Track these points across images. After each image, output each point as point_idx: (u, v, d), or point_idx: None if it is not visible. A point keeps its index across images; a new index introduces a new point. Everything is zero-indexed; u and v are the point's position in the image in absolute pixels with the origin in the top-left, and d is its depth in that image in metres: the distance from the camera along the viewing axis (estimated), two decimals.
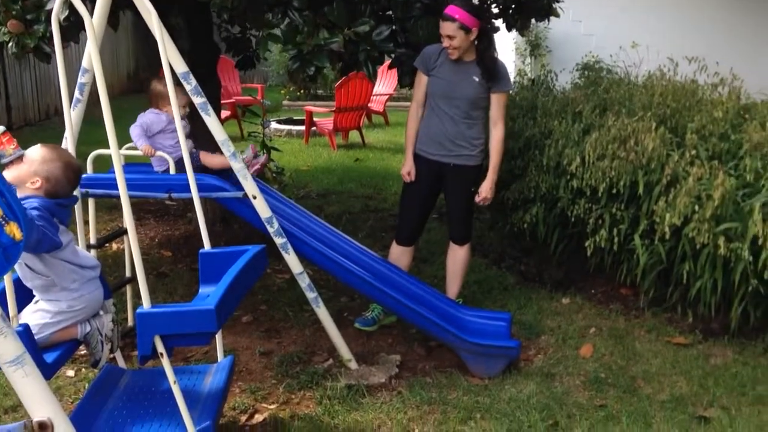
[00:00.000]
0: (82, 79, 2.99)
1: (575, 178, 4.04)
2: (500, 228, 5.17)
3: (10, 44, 3.89)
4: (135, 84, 13.84)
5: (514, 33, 5.33)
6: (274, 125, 9.44)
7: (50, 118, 10.69)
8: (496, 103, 3.71)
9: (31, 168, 2.28)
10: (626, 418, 3.00)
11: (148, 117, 3.44)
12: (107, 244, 4.18)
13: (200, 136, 3.53)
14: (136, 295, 3.30)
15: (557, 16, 4.89)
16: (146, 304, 2.19)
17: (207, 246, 2.82)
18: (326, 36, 3.47)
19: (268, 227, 3.21)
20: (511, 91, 4.71)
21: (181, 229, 5.49)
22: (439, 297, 3.64)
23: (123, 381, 2.70)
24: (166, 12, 3.79)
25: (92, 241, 3.06)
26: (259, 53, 5.25)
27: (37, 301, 2.39)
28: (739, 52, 6.55)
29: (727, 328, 3.68)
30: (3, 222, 1.79)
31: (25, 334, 2.07)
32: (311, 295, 3.35)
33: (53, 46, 2.58)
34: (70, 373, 3.32)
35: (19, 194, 2.20)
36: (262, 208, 3.19)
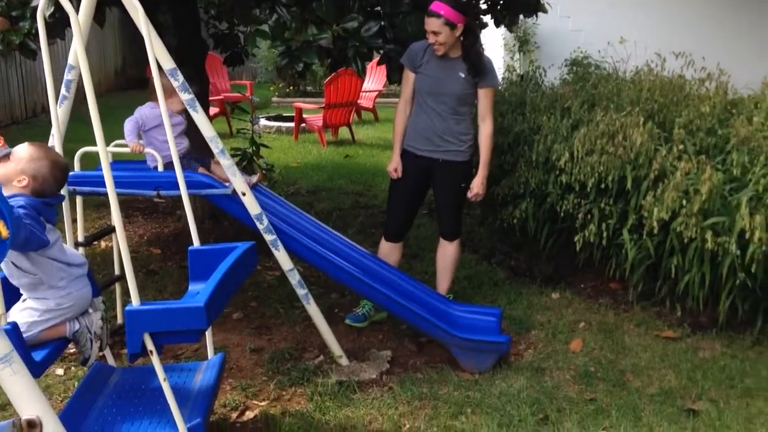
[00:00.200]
0: (68, 76, 2.96)
1: (564, 173, 4.06)
2: (490, 223, 5.18)
3: None
4: (122, 81, 13.79)
5: (502, 29, 5.34)
6: (263, 122, 9.43)
7: (37, 115, 10.63)
8: (484, 98, 3.72)
9: (18, 166, 2.26)
10: (616, 412, 3.01)
11: (145, 111, 3.37)
12: (95, 242, 4.16)
13: (189, 133, 3.52)
14: (125, 293, 3.30)
15: (545, 11, 4.91)
16: (135, 301, 2.18)
17: (196, 243, 2.81)
18: (315, 32, 3.47)
19: (257, 224, 3.20)
20: (499, 87, 4.72)
21: (170, 227, 5.47)
22: (429, 293, 3.64)
23: (113, 379, 2.68)
24: (153, 9, 3.77)
25: (80, 238, 3.04)
26: (247, 49, 5.24)
27: (24, 300, 2.37)
28: (727, 48, 6.60)
29: (715, 322, 3.71)
30: None
31: (13, 332, 2.05)
32: (302, 291, 3.35)
33: (39, 42, 2.56)
34: (60, 371, 3.31)
35: (6, 192, 2.18)
36: (251, 204, 3.18)
